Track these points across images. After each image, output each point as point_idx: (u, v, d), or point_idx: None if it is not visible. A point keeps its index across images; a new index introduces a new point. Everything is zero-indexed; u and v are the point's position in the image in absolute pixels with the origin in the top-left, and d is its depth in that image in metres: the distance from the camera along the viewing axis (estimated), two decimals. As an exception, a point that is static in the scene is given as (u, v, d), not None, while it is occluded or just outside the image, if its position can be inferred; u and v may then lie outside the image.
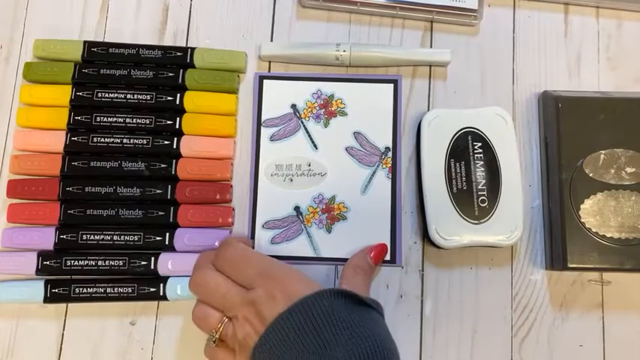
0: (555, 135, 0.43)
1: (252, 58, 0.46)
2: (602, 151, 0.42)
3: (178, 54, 0.44)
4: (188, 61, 0.44)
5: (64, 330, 0.41)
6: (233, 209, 0.43)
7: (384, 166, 0.44)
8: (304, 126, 0.44)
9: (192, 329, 0.41)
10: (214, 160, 0.43)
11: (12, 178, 0.42)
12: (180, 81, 0.43)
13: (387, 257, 0.42)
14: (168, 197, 0.42)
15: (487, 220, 0.41)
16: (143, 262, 0.41)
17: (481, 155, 0.42)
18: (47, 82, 0.44)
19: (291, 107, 0.45)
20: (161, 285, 0.40)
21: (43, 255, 0.41)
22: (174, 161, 0.42)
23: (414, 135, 0.45)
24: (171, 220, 0.41)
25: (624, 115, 0.43)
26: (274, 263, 0.36)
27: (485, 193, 0.42)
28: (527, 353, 0.42)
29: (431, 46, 0.47)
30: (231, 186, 0.43)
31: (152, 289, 0.40)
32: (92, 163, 0.42)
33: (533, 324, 0.43)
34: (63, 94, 0.43)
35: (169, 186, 0.42)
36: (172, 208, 0.41)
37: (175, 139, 0.42)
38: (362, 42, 0.47)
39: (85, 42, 0.44)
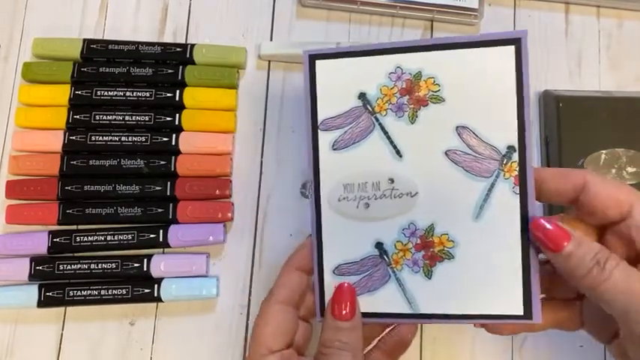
0: (556, 134, 0.43)
1: (252, 57, 0.46)
2: (603, 151, 0.42)
3: (178, 50, 0.44)
4: (188, 56, 0.43)
5: (62, 330, 0.41)
6: (232, 204, 0.42)
7: (507, 175, 0.30)
8: (380, 124, 0.32)
9: (190, 329, 0.41)
10: (214, 155, 0.42)
11: (10, 179, 0.42)
12: (179, 77, 0.43)
13: (518, 311, 0.30)
14: (168, 194, 0.41)
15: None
16: (136, 265, 0.41)
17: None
18: (46, 82, 0.43)
19: (359, 98, 0.32)
20: (155, 286, 0.40)
21: (35, 260, 0.40)
22: (173, 158, 0.42)
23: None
24: (170, 217, 0.41)
25: (625, 114, 0.43)
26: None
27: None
28: (527, 353, 0.42)
29: (431, 46, 0.47)
30: (231, 181, 0.43)
31: (147, 291, 0.40)
32: (91, 162, 0.42)
33: (534, 324, 0.42)
34: (62, 93, 0.43)
35: (169, 183, 0.42)
36: (171, 204, 0.41)
37: (174, 135, 0.42)
38: (362, 41, 0.46)
39: (84, 39, 0.44)
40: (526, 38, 0.30)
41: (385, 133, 0.32)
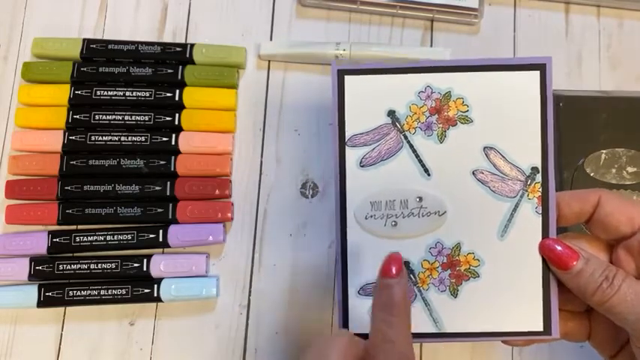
0: (556, 134, 0.43)
1: (252, 57, 0.46)
2: (603, 151, 0.42)
3: (178, 49, 0.44)
4: (187, 56, 0.43)
5: (62, 331, 0.41)
6: (232, 204, 0.42)
7: (531, 195, 0.31)
8: (409, 143, 0.32)
9: (190, 329, 0.41)
10: (214, 155, 0.42)
11: (10, 179, 0.42)
12: (179, 77, 0.43)
13: (538, 327, 0.31)
14: (168, 194, 0.41)
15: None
16: (135, 265, 0.41)
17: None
18: (46, 82, 0.43)
19: (389, 115, 0.32)
20: (155, 286, 0.40)
21: (35, 260, 0.40)
22: (173, 158, 0.42)
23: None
24: (170, 217, 0.41)
25: (625, 114, 0.43)
26: None
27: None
28: (527, 354, 0.42)
29: (431, 45, 0.47)
30: (231, 181, 0.43)
31: (146, 291, 0.40)
32: (90, 162, 0.42)
33: (534, 324, 0.42)
34: (61, 93, 0.43)
35: (168, 182, 0.42)
36: (171, 204, 0.41)
37: (174, 135, 0.42)
38: (362, 41, 0.46)
39: (84, 39, 0.44)
40: (551, 64, 0.31)
41: (414, 151, 0.32)
